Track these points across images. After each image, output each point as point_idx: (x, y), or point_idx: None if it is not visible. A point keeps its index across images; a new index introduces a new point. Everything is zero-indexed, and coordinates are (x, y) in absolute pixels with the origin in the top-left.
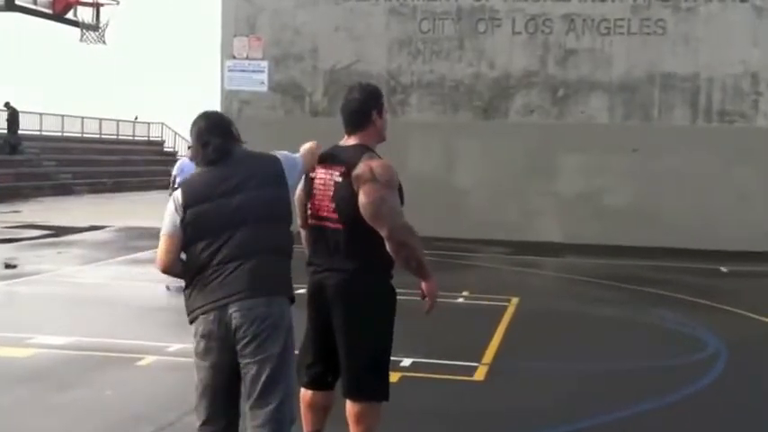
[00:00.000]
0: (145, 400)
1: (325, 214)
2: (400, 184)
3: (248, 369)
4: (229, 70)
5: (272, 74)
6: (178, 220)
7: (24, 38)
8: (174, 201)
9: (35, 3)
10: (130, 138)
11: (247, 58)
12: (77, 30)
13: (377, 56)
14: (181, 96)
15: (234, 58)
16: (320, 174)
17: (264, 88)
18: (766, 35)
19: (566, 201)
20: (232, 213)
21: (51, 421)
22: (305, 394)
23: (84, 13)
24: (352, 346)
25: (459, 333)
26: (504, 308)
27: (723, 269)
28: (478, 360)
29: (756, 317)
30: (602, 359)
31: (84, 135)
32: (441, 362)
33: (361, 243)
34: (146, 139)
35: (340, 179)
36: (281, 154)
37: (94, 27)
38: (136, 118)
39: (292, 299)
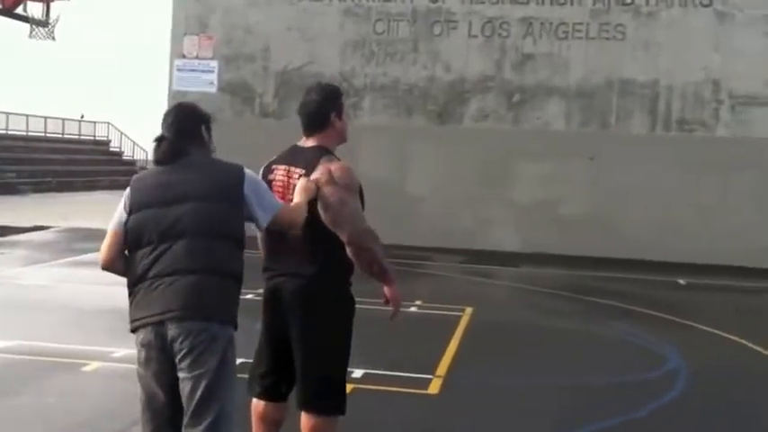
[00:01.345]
0: (90, 408)
1: None
2: (361, 187)
3: (184, 384)
4: (178, 70)
5: (222, 74)
6: (123, 219)
7: None
8: (124, 198)
9: None
10: (76, 137)
11: (197, 57)
12: (26, 25)
13: (330, 57)
14: (128, 96)
15: (184, 57)
16: (279, 175)
17: (214, 89)
18: (728, 41)
19: (522, 209)
20: (172, 224)
21: None
22: (257, 405)
23: (34, 9)
24: (309, 356)
25: (412, 344)
26: (459, 318)
27: (681, 282)
28: (432, 372)
29: (716, 331)
30: (561, 374)
31: (29, 133)
32: (394, 373)
33: (320, 247)
34: (92, 138)
35: (298, 183)
36: (249, 173)
37: (44, 23)
38: (82, 117)
39: (234, 326)
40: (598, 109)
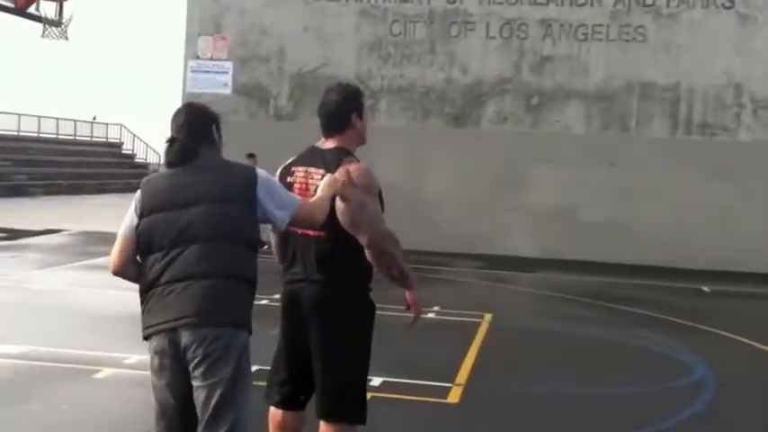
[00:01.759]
0: (103, 415)
1: None
2: (380, 189)
3: (199, 393)
4: (192, 71)
5: (237, 75)
6: (134, 224)
7: None
8: (135, 201)
9: None
10: (88, 139)
11: (211, 58)
12: (39, 25)
13: (345, 59)
14: (141, 98)
15: (198, 58)
16: (299, 177)
17: (228, 90)
18: (750, 44)
19: (539, 214)
20: (184, 228)
21: None
22: (275, 414)
23: (47, 8)
24: (329, 364)
25: (430, 351)
26: (477, 325)
27: (705, 288)
28: (452, 381)
29: (742, 339)
30: (584, 383)
31: (41, 135)
32: (412, 382)
33: (340, 252)
34: (104, 140)
35: (320, 183)
36: (262, 173)
37: (57, 23)
38: (94, 118)
39: (249, 331)
40: (618, 112)
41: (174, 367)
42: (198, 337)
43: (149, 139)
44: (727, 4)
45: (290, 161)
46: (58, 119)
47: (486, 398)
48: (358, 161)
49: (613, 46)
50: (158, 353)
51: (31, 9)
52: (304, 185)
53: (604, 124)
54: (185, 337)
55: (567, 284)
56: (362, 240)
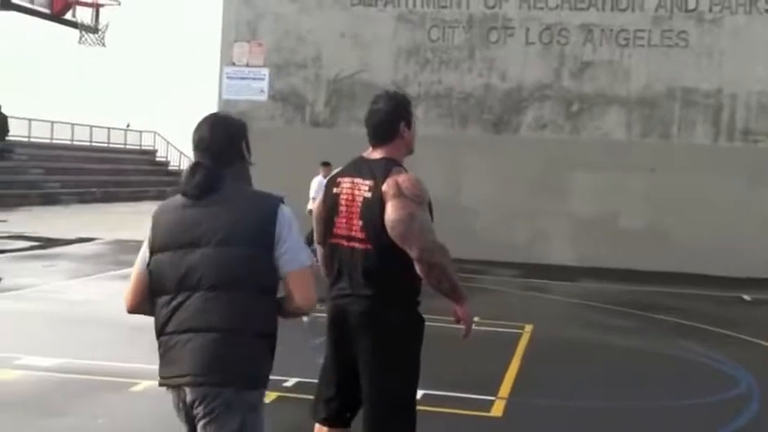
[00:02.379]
0: (141, 429)
1: (352, 233)
2: (430, 201)
3: None
4: (228, 77)
5: (273, 82)
6: (147, 259)
7: (20, 39)
8: (148, 234)
9: (32, 2)
10: (122, 146)
11: (247, 65)
12: (75, 31)
13: (383, 65)
14: (175, 104)
15: (233, 64)
16: (345, 188)
17: (264, 97)
18: None
19: (578, 221)
20: (188, 272)
21: None
22: (320, 431)
23: (83, 14)
24: (376, 381)
25: (472, 363)
26: (519, 335)
27: (746, 297)
28: (494, 393)
29: None
30: (629, 395)
31: (75, 142)
32: (455, 394)
33: (388, 265)
34: (138, 147)
35: (369, 194)
36: (283, 213)
37: (94, 29)
38: (128, 126)
39: (259, 387)
40: (659, 119)
41: (186, 420)
42: (199, 394)
43: (183, 146)
44: None
45: (336, 172)
46: (91, 126)
47: (531, 411)
48: (407, 171)
49: (655, 51)
50: (174, 406)
51: (68, 15)
52: (350, 196)
53: (645, 131)
54: (189, 395)
55: (606, 293)
56: (412, 253)
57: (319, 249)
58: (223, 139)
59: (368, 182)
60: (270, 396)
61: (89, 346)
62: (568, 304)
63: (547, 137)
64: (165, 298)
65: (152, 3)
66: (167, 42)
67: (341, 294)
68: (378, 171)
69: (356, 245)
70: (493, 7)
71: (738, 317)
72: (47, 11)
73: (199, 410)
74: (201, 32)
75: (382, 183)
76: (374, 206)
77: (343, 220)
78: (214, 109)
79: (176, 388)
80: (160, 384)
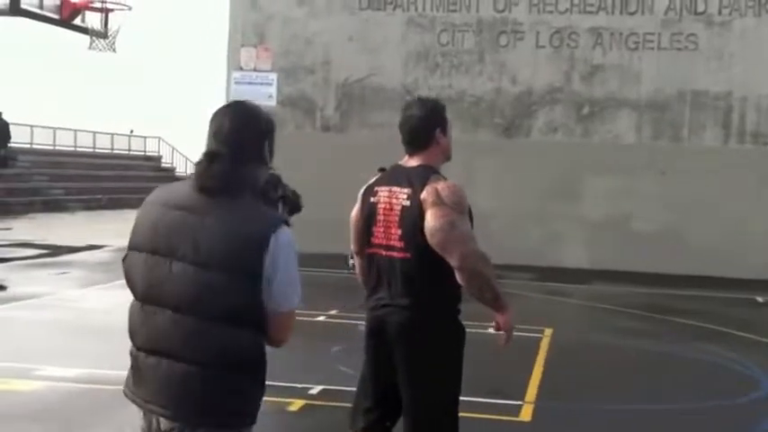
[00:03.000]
0: None
1: (390, 242)
2: (470, 208)
3: None
4: (236, 82)
5: (281, 86)
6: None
7: (27, 44)
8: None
9: (41, 7)
10: (126, 152)
11: (255, 69)
12: (83, 36)
13: (392, 69)
14: (181, 109)
15: (241, 69)
16: (383, 197)
17: (273, 102)
18: None
19: (590, 224)
20: (158, 284)
21: None
22: None
23: (93, 20)
24: (418, 391)
25: (495, 367)
26: (539, 340)
27: (759, 299)
28: (522, 398)
29: None
30: (653, 398)
31: (78, 149)
32: (482, 400)
33: (428, 274)
34: (142, 153)
35: (407, 203)
36: (280, 240)
37: (103, 34)
38: (131, 132)
39: (239, 424)
40: (670, 121)
41: None
42: (177, 428)
43: (188, 151)
44: None
45: (372, 181)
46: (94, 132)
47: (558, 415)
48: (445, 179)
49: (665, 54)
50: (141, 425)
51: (77, 21)
52: (388, 206)
53: (656, 133)
54: (163, 423)
55: (621, 296)
56: (453, 262)
57: (357, 259)
58: (250, 131)
59: (406, 190)
60: (296, 404)
61: (109, 356)
62: (585, 307)
63: (558, 140)
64: (135, 302)
65: (155, 8)
66: (171, 47)
67: (380, 305)
68: (416, 179)
69: (395, 254)
70: (502, 11)
71: (753, 319)
72: (56, 16)
73: None
74: (206, 37)
75: (421, 191)
76: (413, 214)
77: (381, 229)
78: None
79: (142, 410)
80: (126, 395)
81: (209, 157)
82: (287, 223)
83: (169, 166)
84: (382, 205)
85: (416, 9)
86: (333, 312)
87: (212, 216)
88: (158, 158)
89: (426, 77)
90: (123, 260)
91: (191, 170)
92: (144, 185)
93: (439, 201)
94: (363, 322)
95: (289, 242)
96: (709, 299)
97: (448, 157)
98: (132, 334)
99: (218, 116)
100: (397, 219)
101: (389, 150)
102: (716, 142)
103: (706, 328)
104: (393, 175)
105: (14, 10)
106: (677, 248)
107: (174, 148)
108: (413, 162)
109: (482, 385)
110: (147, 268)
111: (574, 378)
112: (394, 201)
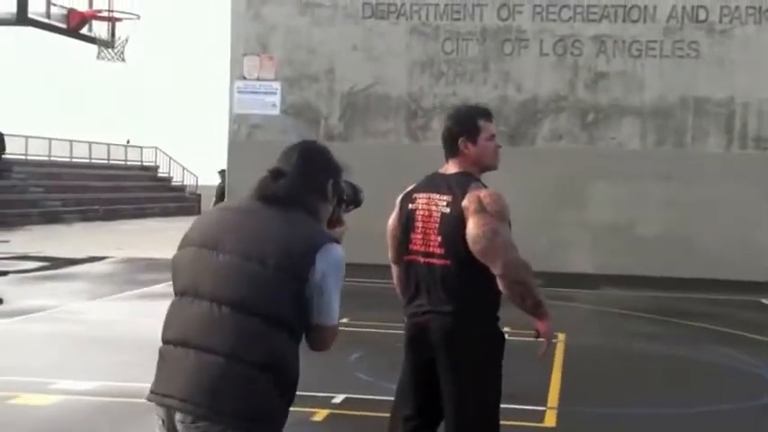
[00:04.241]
0: None
1: (430, 249)
2: (509, 217)
3: None
4: (239, 92)
5: (285, 96)
6: None
7: (27, 54)
8: None
9: (48, 17)
10: (122, 163)
11: (258, 78)
12: (91, 46)
13: (397, 78)
14: (177, 119)
15: (244, 78)
16: (421, 204)
17: (276, 111)
18: None
19: (597, 230)
20: (201, 275)
21: None
22: None
23: (100, 29)
24: (461, 399)
25: (515, 374)
26: (553, 345)
27: (765, 301)
28: (544, 404)
29: None
30: (672, 402)
31: (74, 159)
32: (506, 406)
33: (469, 281)
34: (138, 164)
35: (447, 210)
36: (330, 252)
37: (110, 44)
38: (128, 142)
39: (263, 426)
40: (673, 128)
41: None
42: (191, 430)
43: (185, 161)
44: None
45: (410, 188)
46: (90, 143)
47: (581, 420)
48: (486, 187)
49: (667, 62)
50: (159, 425)
51: (84, 30)
52: (427, 212)
53: (660, 140)
54: (180, 428)
55: (629, 300)
56: (495, 270)
57: (394, 269)
58: (312, 164)
59: (446, 197)
60: (321, 414)
61: (122, 368)
62: (594, 312)
63: (563, 147)
64: (174, 299)
65: (155, 17)
66: (167, 57)
67: (420, 312)
68: (456, 186)
69: (434, 261)
70: (506, 19)
71: (762, 321)
72: (63, 25)
73: None
74: (206, 47)
75: (462, 198)
76: (454, 221)
77: (420, 236)
78: (223, 123)
79: (165, 408)
80: (148, 398)
81: (274, 173)
82: (337, 241)
83: (166, 176)
84: (421, 212)
85: (420, 18)
86: (344, 321)
87: (267, 219)
88: (155, 168)
89: (431, 86)
90: (173, 257)
91: (188, 180)
92: (140, 195)
93: (481, 209)
94: (375, 330)
95: (339, 259)
96: (717, 302)
97: (484, 166)
98: (165, 328)
99: (290, 148)
100: (436, 226)
101: (394, 159)
102: (719, 148)
103: (718, 331)
104: (432, 182)
105: (22, 19)
106: (683, 252)
107: (171, 158)
108: (451, 169)
109: (505, 392)
110: (193, 260)
111: (593, 382)
112: (433, 207)
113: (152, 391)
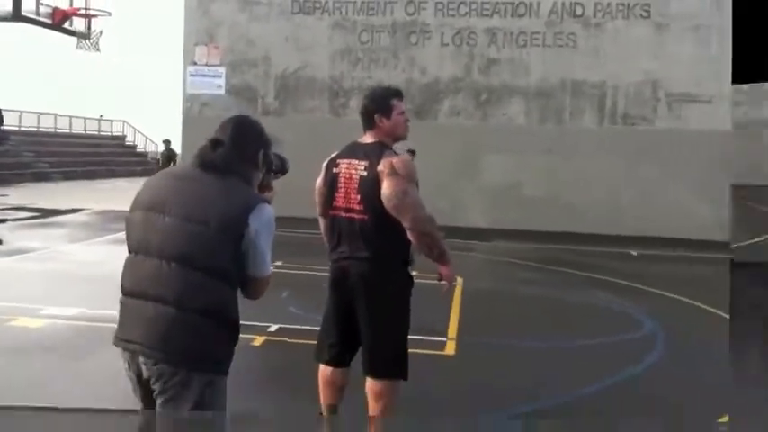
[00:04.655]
0: None
1: (350, 206)
2: (417, 179)
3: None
4: (191, 75)
5: (229, 78)
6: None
7: (22, 44)
8: None
9: (38, 14)
10: (96, 133)
11: (207, 64)
12: (72, 38)
13: (321, 63)
14: (142, 98)
15: (195, 64)
16: (343, 168)
17: (222, 91)
18: (665, 48)
19: (490, 192)
20: (149, 235)
21: (80, 386)
22: (324, 371)
23: (79, 24)
24: (376, 330)
25: (420, 310)
26: (454, 287)
27: (633, 252)
28: (445, 335)
29: (680, 297)
30: (557, 336)
31: (57, 130)
32: (413, 337)
33: (383, 232)
34: (110, 134)
35: (365, 173)
36: (262, 212)
37: (86, 36)
38: (101, 116)
39: (214, 369)
40: (554, 107)
41: (138, 388)
42: (155, 373)
43: (148, 132)
44: (645, 15)
45: (334, 155)
46: (71, 117)
47: (478, 349)
48: (397, 154)
49: (549, 50)
50: (126, 368)
51: (66, 25)
52: (348, 175)
53: (542, 117)
54: (145, 371)
55: (517, 251)
56: (406, 223)
57: (321, 221)
58: (245, 137)
59: (364, 162)
60: (258, 340)
61: (102, 299)
62: (488, 261)
63: (461, 123)
64: (129, 255)
65: (124, 15)
66: (134, 46)
67: (342, 257)
68: (372, 154)
69: (354, 216)
70: (413, 14)
71: (632, 270)
72: (49, 21)
73: (156, 386)
74: (165, 38)
75: (377, 163)
76: (371, 183)
77: (342, 195)
78: (178, 101)
79: (130, 352)
80: (115, 344)
81: (213, 143)
82: (268, 203)
83: (132, 144)
84: (343, 175)
85: (341, 13)
86: (278, 263)
87: (207, 185)
88: (123, 138)
89: (350, 71)
90: (126, 218)
91: (150, 147)
92: (112, 159)
93: (394, 172)
94: (303, 272)
95: (269, 218)
96: (592, 253)
97: (396, 137)
98: (123, 282)
99: (226, 122)
100: (356, 186)
101: (319, 131)
102: (592, 124)
103: (593, 277)
104: (352, 150)
105: (16, 16)
106: (561, 210)
107: (136, 129)
108: (368, 139)
109: (412, 325)
110: (143, 222)
111: (487, 319)
112: (353, 171)
113: (117, 337)
